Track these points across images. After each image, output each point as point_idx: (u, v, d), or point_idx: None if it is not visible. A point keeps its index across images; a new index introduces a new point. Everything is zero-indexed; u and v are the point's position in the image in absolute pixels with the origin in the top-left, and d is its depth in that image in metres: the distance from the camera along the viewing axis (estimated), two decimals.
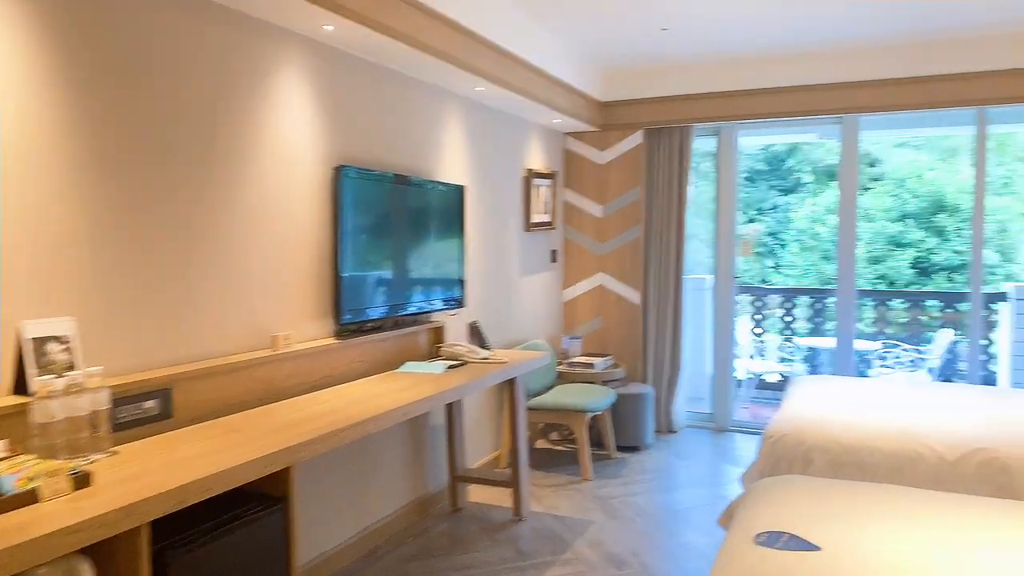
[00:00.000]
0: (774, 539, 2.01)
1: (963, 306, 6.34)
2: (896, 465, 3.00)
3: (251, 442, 2.18)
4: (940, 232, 9.80)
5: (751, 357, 6.46)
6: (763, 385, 6.56)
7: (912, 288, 9.49)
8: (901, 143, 10.26)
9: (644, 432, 5.09)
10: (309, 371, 3.01)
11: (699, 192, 5.95)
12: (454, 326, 4.08)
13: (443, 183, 3.88)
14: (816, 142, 10.62)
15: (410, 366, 3.43)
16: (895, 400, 3.64)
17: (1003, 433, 3.07)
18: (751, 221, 10.80)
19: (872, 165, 10.41)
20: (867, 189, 10.31)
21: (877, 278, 9.81)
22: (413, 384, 3.06)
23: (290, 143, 2.96)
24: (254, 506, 2.14)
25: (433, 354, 3.79)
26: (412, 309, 3.62)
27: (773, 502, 2.33)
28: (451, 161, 4.13)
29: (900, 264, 9.79)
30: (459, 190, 4.01)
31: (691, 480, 4.55)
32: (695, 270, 5.91)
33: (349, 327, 3.23)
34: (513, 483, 3.88)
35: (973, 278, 4.86)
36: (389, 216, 3.46)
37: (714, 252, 5.55)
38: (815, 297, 7.05)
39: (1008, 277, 9.36)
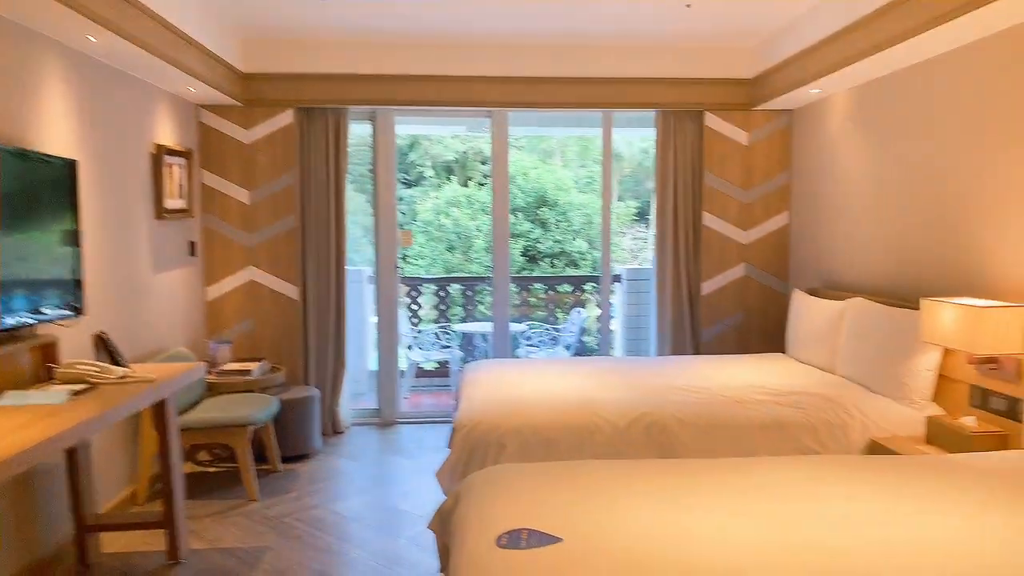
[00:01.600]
0: (516, 539, 1.88)
1: (589, 288, 7.24)
2: (578, 438, 3.16)
3: None
4: (543, 224, 11.04)
5: (409, 347, 6.45)
6: (422, 373, 6.61)
7: (523, 274, 10.55)
8: (508, 142, 11.29)
9: (311, 438, 4.68)
10: None
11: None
12: (72, 340, 3.19)
13: (44, 156, 2.98)
14: (436, 137, 11.18)
15: (13, 397, 2.54)
16: (562, 377, 3.87)
17: (657, 397, 3.45)
18: None
19: (484, 163, 11.32)
20: (482, 184, 11.17)
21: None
22: (23, 423, 2.25)
23: None
24: None
25: (45, 378, 2.90)
26: (8, 321, 2.70)
27: (496, 498, 2.21)
28: (55, 129, 3.21)
29: (513, 252, 10.78)
30: (68, 165, 3.13)
31: (368, 482, 4.31)
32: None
33: None
34: (166, 521, 3.20)
35: (603, 264, 5.47)
36: None
37: (375, 242, 5.36)
38: (465, 285, 7.36)
39: (595, 263, 10.96)
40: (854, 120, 4.30)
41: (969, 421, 2.97)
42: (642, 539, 1.91)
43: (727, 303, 5.20)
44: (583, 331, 6.71)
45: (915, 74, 3.70)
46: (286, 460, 4.55)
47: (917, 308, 3.35)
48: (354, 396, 5.54)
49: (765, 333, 5.17)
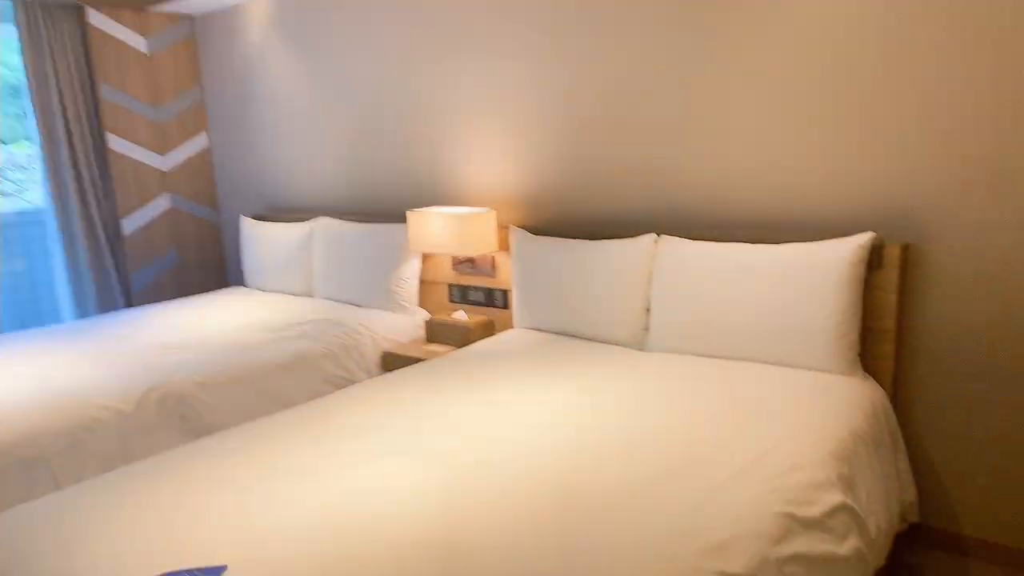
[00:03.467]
0: None
1: None
2: (71, 443, 2.29)
3: None
4: None
5: None
6: None
7: None
8: None
9: None
10: None
11: None
12: None
13: None
14: None
15: None
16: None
17: (154, 364, 2.76)
18: None
19: None
20: None
21: None
22: None
23: None
24: None
25: None
26: None
27: (73, 550, 1.42)
28: None
29: None
30: None
31: None
32: None
33: None
34: None
35: None
36: None
37: None
38: None
39: None
40: (280, 31, 4.06)
41: (461, 316, 3.32)
42: (316, 526, 1.53)
43: (157, 241, 4.42)
44: None
45: None
46: None
47: (388, 222, 3.51)
48: None
49: (205, 269, 4.63)
